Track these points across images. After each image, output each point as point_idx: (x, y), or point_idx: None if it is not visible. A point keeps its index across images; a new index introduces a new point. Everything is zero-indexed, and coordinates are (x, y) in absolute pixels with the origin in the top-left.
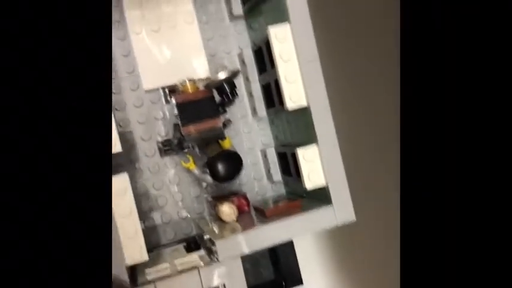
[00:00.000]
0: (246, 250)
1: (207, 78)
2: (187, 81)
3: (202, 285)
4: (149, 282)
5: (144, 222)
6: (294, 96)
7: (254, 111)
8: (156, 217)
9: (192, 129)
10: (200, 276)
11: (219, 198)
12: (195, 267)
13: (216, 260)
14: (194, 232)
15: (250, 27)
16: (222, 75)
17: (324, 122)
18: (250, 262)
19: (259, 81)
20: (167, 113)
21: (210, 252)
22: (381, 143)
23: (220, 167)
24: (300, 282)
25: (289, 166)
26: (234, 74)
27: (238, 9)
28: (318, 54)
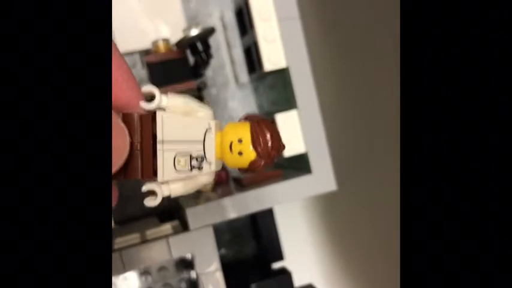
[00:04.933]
0: (219, 219)
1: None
2: (160, 41)
3: (171, 255)
4: (115, 250)
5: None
6: (272, 56)
7: (236, 78)
8: (132, 187)
9: (163, 91)
10: (169, 246)
11: None
12: (165, 237)
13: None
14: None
15: None
16: (195, 32)
17: (304, 85)
18: (231, 238)
19: (242, 46)
20: (144, 78)
21: (183, 222)
22: (375, 109)
23: None
24: (281, 257)
25: None
26: (207, 32)
27: None
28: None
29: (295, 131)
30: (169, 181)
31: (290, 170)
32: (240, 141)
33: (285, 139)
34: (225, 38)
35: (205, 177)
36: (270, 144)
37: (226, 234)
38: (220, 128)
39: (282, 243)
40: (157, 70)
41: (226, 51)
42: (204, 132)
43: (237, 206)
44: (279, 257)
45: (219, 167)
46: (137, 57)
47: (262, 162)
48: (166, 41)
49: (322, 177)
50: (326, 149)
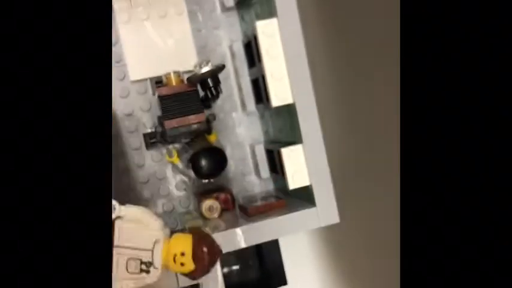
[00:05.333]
0: (225, 250)
1: (191, 72)
2: (171, 74)
3: (178, 284)
4: None
5: None
6: (279, 93)
7: (244, 105)
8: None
9: (174, 123)
10: (177, 277)
11: (204, 193)
12: None
13: None
14: (179, 227)
15: (242, 19)
16: (205, 69)
17: (309, 121)
18: (235, 260)
19: (249, 76)
20: (154, 105)
21: None
22: (376, 143)
23: (203, 164)
24: (284, 282)
25: (276, 163)
26: (218, 69)
27: (230, 0)
28: (321, 56)
29: (300, 165)
30: (122, 279)
31: (295, 198)
32: (182, 254)
33: (289, 172)
34: (233, 66)
35: (152, 278)
36: (206, 259)
37: (231, 257)
38: (167, 239)
39: (285, 267)
40: (170, 102)
41: (234, 79)
42: (153, 242)
43: (242, 238)
44: (283, 281)
45: (164, 271)
46: (148, 84)
47: (200, 273)
48: (177, 73)
49: (326, 210)
50: (330, 182)
